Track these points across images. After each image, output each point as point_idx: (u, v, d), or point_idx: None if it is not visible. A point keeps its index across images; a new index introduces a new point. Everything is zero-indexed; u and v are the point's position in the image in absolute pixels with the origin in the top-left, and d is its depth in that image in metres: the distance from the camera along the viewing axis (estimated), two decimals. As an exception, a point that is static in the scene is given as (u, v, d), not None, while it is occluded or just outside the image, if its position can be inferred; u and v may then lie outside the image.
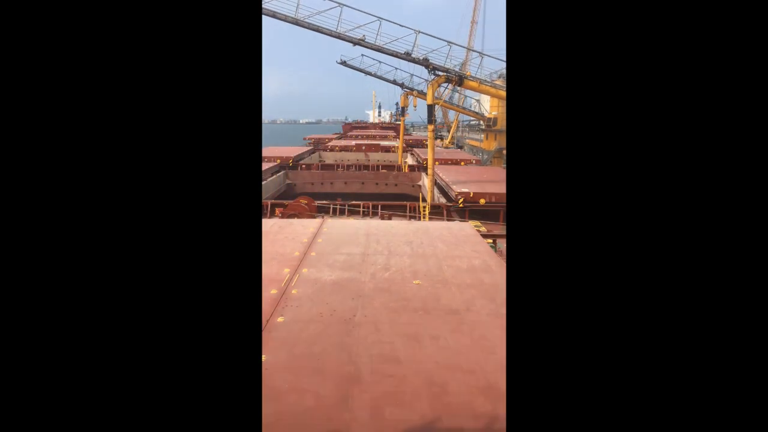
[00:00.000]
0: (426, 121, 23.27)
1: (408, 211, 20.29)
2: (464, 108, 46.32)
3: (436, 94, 24.98)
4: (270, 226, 11.54)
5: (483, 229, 16.23)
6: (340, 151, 45.14)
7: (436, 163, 25.84)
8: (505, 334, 3.57)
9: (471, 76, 22.93)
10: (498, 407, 4.39)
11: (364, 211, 19.91)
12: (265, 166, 28.45)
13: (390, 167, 34.80)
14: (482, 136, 57.05)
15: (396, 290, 7.41)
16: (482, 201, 19.15)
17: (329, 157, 43.55)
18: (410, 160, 38.99)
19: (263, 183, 25.66)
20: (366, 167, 34.97)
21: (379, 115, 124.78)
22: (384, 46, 20.83)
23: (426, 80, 22.45)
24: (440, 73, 21.42)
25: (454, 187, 20.43)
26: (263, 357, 5.19)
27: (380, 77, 32.23)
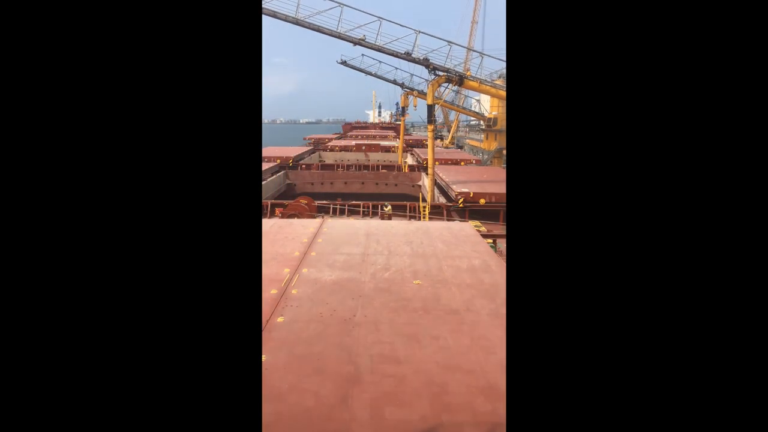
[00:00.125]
0: (426, 121, 23.28)
1: (408, 211, 20.29)
2: (464, 108, 46.31)
3: (436, 94, 24.99)
4: (270, 226, 11.54)
5: (483, 229, 16.23)
6: (340, 151, 45.15)
7: (436, 163, 25.83)
8: (505, 334, 3.56)
9: (471, 76, 22.93)
10: (498, 407, 4.39)
11: (364, 211, 19.91)
12: (265, 166, 28.46)
13: (390, 167, 34.81)
14: (482, 136, 57.04)
15: (396, 290, 7.41)
16: (482, 201, 19.15)
17: (329, 157, 43.56)
18: (410, 160, 39.00)
19: (263, 183, 25.66)
20: (366, 167, 34.97)
21: (379, 115, 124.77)
22: (384, 46, 20.85)
23: (426, 80, 22.48)
24: (441, 73, 21.44)
25: (454, 187, 20.44)
26: (263, 357, 5.19)
27: (380, 77, 32.23)
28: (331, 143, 50.60)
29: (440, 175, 23.92)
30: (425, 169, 27.24)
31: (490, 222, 18.22)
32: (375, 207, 20.29)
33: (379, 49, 21.00)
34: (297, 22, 20.35)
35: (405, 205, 20.78)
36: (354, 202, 20.81)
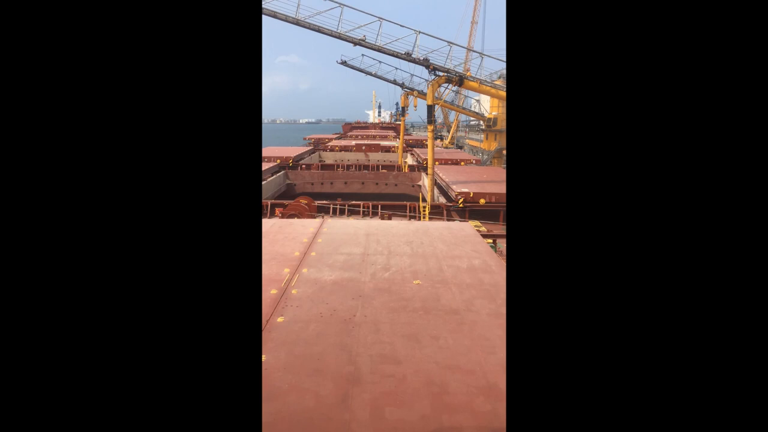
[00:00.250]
0: (426, 121, 23.31)
1: (408, 211, 20.29)
2: (464, 108, 46.32)
3: (436, 95, 25.01)
4: (270, 226, 11.53)
5: (483, 229, 16.24)
6: (340, 151, 45.17)
7: (436, 163, 25.86)
8: (505, 334, 3.56)
9: (471, 77, 22.97)
10: (498, 407, 4.39)
11: (364, 211, 19.92)
12: (265, 166, 28.47)
13: (390, 167, 34.82)
14: (482, 136, 57.06)
15: (396, 290, 7.41)
16: (482, 201, 19.16)
17: (329, 157, 43.57)
18: (410, 160, 39.02)
19: (263, 183, 25.67)
20: (366, 167, 34.99)
21: (379, 115, 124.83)
22: (384, 46, 20.88)
23: (426, 80, 22.54)
24: (441, 73, 21.46)
25: (454, 187, 20.44)
26: (263, 357, 5.19)
27: (380, 77, 32.25)
28: (331, 143, 50.61)
29: (440, 175, 23.93)
30: (425, 169, 27.27)
31: (490, 222, 18.23)
32: (375, 207, 20.30)
33: (380, 50, 21.02)
34: (297, 23, 20.38)
35: (405, 205, 20.79)
36: (354, 202, 20.82)
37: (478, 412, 4.35)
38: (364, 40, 20.67)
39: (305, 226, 11.67)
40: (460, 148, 64.88)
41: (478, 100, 48.78)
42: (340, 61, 32.02)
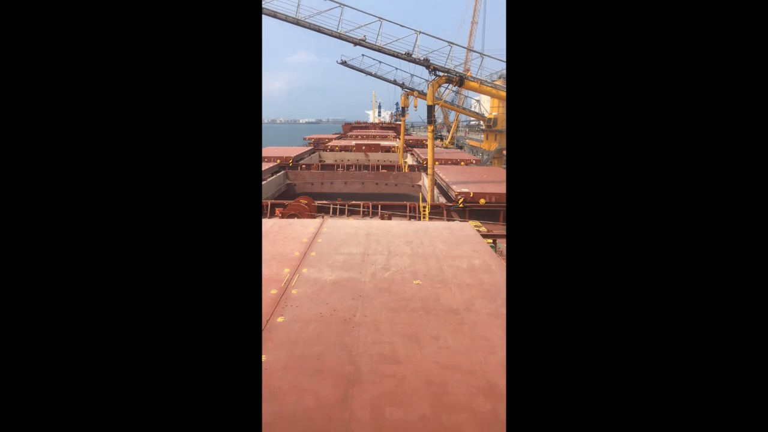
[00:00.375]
0: (426, 121, 23.32)
1: (408, 211, 20.29)
2: (464, 108, 46.30)
3: (436, 95, 25.00)
4: (270, 226, 11.53)
5: (483, 229, 16.24)
6: (340, 151, 45.15)
7: (436, 163, 25.89)
8: (505, 334, 3.57)
9: (472, 77, 22.96)
10: (498, 407, 4.39)
11: (364, 211, 19.92)
12: (265, 166, 28.46)
13: (390, 167, 34.81)
14: (482, 136, 57.06)
15: (396, 290, 7.41)
16: (482, 201, 19.16)
17: (329, 157, 43.55)
18: (410, 160, 39.01)
19: (263, 183, 25.67)
20: (366, 167, 34.99)
21: (379, 115, 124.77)
22: (385, 46, 20.86)
23: (426, 80, 22.56)
24: (441, 73, 21.45)
25: (454, 187, 20.44)
26: (263, 357, 5.18)
27: (380, 77, 32.26)
28: (331, 143, 50.59)
29: (440, 175, 23.93)
30: (425, 169, 27.26)
31: (490, 222, 18.22)
32: (375, 207, 20.31)
33: (380, 50, 20.99)
34: (297, 23, 20.35)
35: (405, 205, 20.78)
36: (354, 202, 20.81)
37: (478, 412, 4.35)
38: (364, 40, 20.63)
39: (305, 226, 11.66)
40: (460, 148, 64.88)
41: (478, 101, 48.78)
42: (340, 61, 32.03)
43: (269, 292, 7.17)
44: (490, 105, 50.56)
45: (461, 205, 19.36)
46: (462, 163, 32.45)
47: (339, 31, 20.56)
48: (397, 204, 21.15)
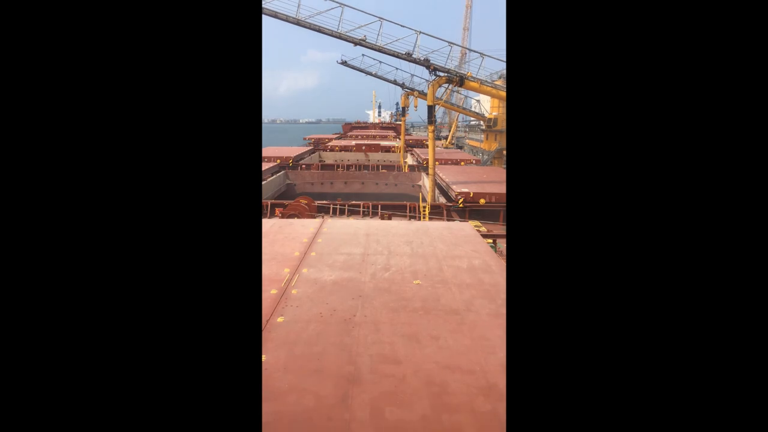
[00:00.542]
0: (426, 121, 23.34)
1: (408, 211, 20.29)
2: (465, 108, 46.29)
3: (438, 95, 25.06)
4: (270, 226, 11.53)
5: (483, 229, 16.24)
6: (340, 151, 45.14)
7: (436, 163, 25.97)
8: (505, 334, 3.57)
9: (472, 77, 23.02)
10: (498, 407, 4.39)
11: (364, 211, 19.92)
12: (265, 166, 28.47)
13: (390, 167, 34.81)
14: (482, 136, 57.05)
15: (396, 290, 7.41)
16: (482, 201, 19.16)
17: (329, 157, 43.54)
18: (410, 160, 39.01)
19: (263, 183, 25.67)
20: (366, 167, 34.99)
21: (379, 115, 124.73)
22: (385, 46, 20.92)
23: (427, 80, 22.60)
24: (441, 73, 21.47)
25: (454, 187, 20.44)
26: (263, 357, 5.19)
27: (381, 77, 32.28)
28: (331, 143, 50.59)
29: (440, 175, 23.94)
30: (425, 169, 27.29)
31: (490, 222, 18.22)
32: (375, 207, 20.31)
33: (380, 50, 21.03)
34: (298, 23, 20.39)
35: (405, 205, 20.78)
36: (354, 202, 20.82)
37: (478, 412, 4.35)
38: (364, 40, 20.66)
39: (305, 226, 11.66)
40: (460, 148, 64.88)
41: (478, 101, 48.77)
42: (340, 61, 32.05)
43: (269, 292, 7.17)
44: (490, 105, 50.56)
45: (461, 205, 19.36)
46: (462, 163, 32.46)
47: (339, 31, 20.58)
48: (397, 204, 21.15)
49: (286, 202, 20.25)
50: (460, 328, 6.12)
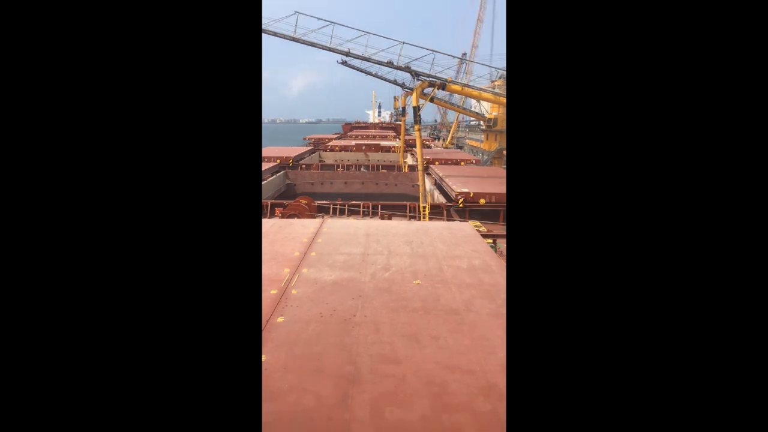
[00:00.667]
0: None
1: (408, 211, 20.29)
2: (464, 108, 46.30)
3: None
4: (270, 226, 11.53)
5: (483, 229, 16.24)
6: (340, 151, 45.13)
7: (436, 163, 26.26)
8: (505, 334, 3.57)
9: (452, 81, 25.42)
10: (498, 407, 4.39)
11: (364, 211, 19.92)
12: (265, 166, 28.46)
13: (390, 167, 34.81)
14: (482, 136, 57.06)
15: (396, 290, 7.40)
16: (482, 201, 19.16)
17: (329, 157, 43.53)
18: (410, 160, 39.01)
19: (263, 183, 25.67)
20: (366, 167, 35.00)
21: (379, 115, 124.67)
22: (370, 56, 24.32)
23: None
24: (423, 78, 24.08)
25: (454, 187, 20.44)
26: (263, 357, 5.18)
27: (381, 77, 32.26)
28: (331, 143, 50.58)
29: (440, 175, 23.95)
30: (425, 169, 27.35)
31: (490, 222, 18.22)
32: (375, 207, 20.32)
33: (366, 60, 24.66)
34: (295, 40, 24.44)
35: (405, 205, 20.79)
36: (354, 202, 20.82)
37: (478, 412, 4.35)
38: (350, 52, 24.33)
39: (305, 226, 11.66)
40: (461, 148, 64.88)
41: (478, 101, 48.81)
42: (340, 60, 32.06)
43: (269, 292, 7.17)
44: (490, 105, 50.58)
45: (461, 205, 19.36)
46: (462, 163, 32.46)
47: (330, 45, 24.60)
48: (397, 204, 21.15)
49: (286, 202, 20.25)
50: (460, 328, 6.11)
